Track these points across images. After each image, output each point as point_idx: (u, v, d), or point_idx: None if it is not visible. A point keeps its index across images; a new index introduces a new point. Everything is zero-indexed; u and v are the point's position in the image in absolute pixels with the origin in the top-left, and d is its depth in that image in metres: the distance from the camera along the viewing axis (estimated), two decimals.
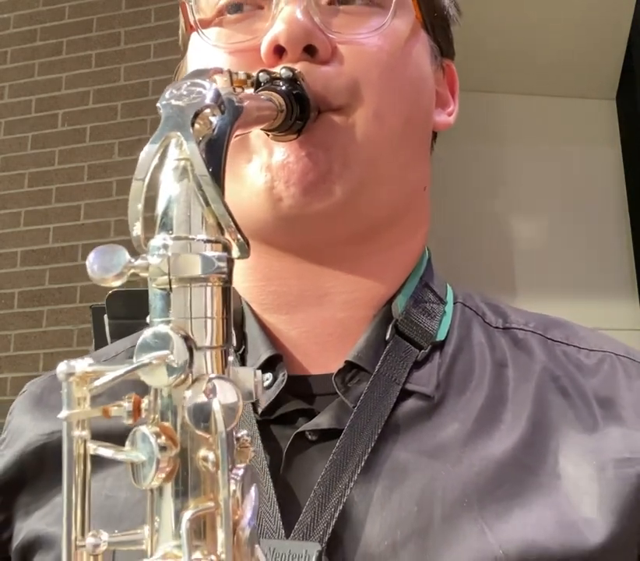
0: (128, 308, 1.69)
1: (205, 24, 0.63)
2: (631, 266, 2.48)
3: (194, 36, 0.64)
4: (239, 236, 0.38)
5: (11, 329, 3.03)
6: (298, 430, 0.56)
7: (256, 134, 0.57)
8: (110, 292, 1.74)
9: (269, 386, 0.58)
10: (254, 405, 0.58)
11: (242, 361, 0.61)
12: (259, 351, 0.60)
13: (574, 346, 0.63)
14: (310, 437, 0.56)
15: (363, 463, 0.53)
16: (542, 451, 0.55)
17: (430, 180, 0.68)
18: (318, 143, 0.57)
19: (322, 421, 0.56)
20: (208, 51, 0.62)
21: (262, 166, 0.57)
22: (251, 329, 0.62)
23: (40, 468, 0.61)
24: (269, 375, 0.58)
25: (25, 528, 0.60)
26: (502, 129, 2.61)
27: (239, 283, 0.64)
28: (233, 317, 0.62)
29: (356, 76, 0.58)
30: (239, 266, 0.63)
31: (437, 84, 0.68)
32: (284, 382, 0.57)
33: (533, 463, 0.55)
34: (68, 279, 3.00)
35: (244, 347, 0.61)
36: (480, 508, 0.52)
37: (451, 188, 2.37)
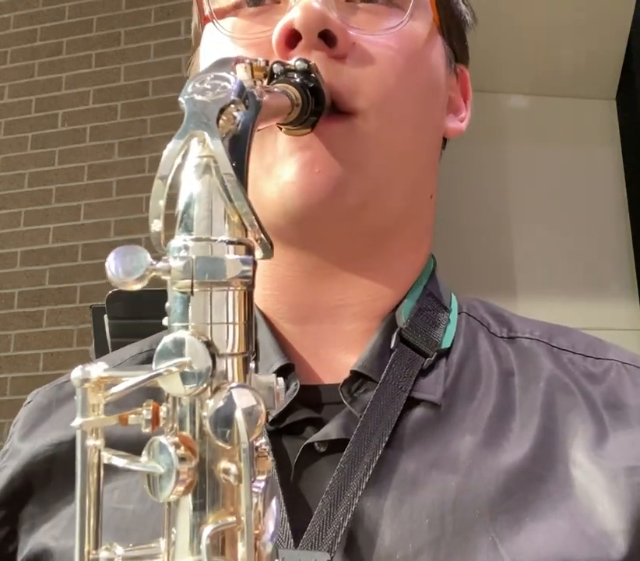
0: (128, 308, 1.69)
1: (221, 14, 0.61)
2: (631, 266, 2.47)
3: (208, 27, 0.62)
4: (262, 236, 0.36)
5: (11, 329, 3.03)
6: (307, 441, 0.55)
7: (266, 133, 0.56)
8: (110, 292, 1.74)
9: None
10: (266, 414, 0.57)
11: None
12: (271, 359, 0.59)
13: (580, 354, 0.63)
14: (319, 448, 0.55)
15: (371, 472, 0.53)
16: (552, 460, 0.54)
17: (436, 189, 0.67)
18: (332, 154, 0.55)
19: (331, 431, 0.55)
20: (223, 43, 0.60)
21: (272, 175, 0.56)
22: (263, 336, 0.61)
23: (48, 480, 0.60)
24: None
25: (31, 542, 0.59)
26: (502, 129, 2.60)
27: (256, 290, 0.63)
28: None
29: (374, 80, 0.57)
30: (258, 273, 0.63)
31: (450, 89, 0.67)
32: (296, 392, 0.57)
33: (544, 472, 0.54)
34: (68, 279, 3.00)
35: (254, 354, 0.60)
36: (492, 519, 0.51)
37: (450, 188, 2.37)
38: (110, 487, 0.55)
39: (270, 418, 0.57)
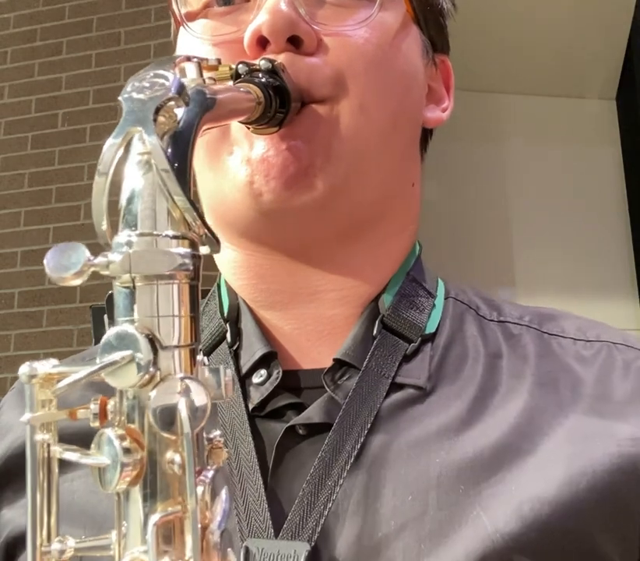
0: None
1: (192, 17, 0.62)
2: (631, 266, 2.47)
3: (181, 31, 0.63)
4: (206, 231, 0.37)
5: (11, 329, 3.03)
6: (289, 424, 0.55)
7: (237, 126, 0.57)
8: (110, 292, 1.74)
9: (263, 383, 0.58)
10: (246, 401, 0.57)
11: (236, 357, 0.60)
12: (254, 347, 0.59)
13: (570, 338, 0.63)
14: (300, 431, 0.55)
15: (352, 460, 0.53)
16: (538, 435, 0.55)
17: (419, 177, 0.67)
18: (299, 136, 0.56)
19: (313, 415, 0.56)
20: (193, 44, 0.61)
21: (243, 159, 0.56)
22: (247, 325, 0.61)
23: (23, 464, 0.60)
24: (263, 372, 0.58)
25: (10, 524, 0.59)
26: (502, 129, 2.60)
27: (233, 281, 0.64)
28: (229, 313, 0.62)
29: (340, 67, 0.57)
30: (232, 265, 0.64)
31: (430, 79, 0.66)
32: (278, 380, 0.57)
33: (530, 446, 0.54)
34: None
35: (238, 343, 0.61)
36: (476, 493, 0.51)
37: (450, 188, 2.37)
38: (87, 471, 0.55)
39: (251, 405, 0.57)
